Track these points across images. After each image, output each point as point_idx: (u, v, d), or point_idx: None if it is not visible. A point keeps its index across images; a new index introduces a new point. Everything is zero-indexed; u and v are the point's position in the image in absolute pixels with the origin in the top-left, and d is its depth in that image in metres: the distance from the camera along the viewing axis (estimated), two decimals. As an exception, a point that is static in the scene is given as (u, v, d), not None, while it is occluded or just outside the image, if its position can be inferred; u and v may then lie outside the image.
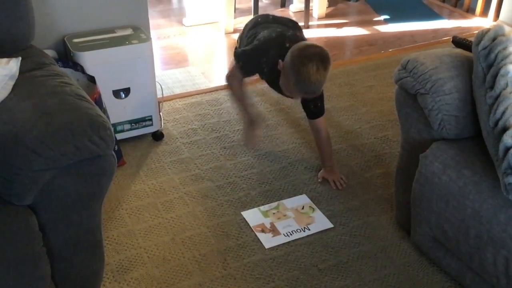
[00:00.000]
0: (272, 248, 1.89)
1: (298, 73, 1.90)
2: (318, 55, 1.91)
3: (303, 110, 2.22)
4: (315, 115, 2.17)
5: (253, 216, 2.03)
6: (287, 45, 2.03)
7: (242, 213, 2.05)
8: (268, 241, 1.92)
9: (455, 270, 1.70)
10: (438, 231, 1.67)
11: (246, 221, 2.01)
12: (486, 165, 1.53)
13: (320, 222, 2.02)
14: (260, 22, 2.30)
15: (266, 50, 2.07)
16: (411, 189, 1.75)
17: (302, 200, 2.13)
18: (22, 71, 1.49)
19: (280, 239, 1.93)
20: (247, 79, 2.20)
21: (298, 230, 1.98)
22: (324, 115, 2.18)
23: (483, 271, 1.54)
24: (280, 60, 2.01)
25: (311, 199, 2.13)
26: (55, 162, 1.27)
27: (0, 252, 1.24)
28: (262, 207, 2.08)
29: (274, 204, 2.10)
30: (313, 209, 2.08)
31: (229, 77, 2.16)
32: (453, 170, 1.57)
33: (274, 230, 1.97)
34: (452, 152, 1.61)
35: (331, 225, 2.00)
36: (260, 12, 3.59)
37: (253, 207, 2.08)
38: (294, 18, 3.88)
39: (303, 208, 2.08)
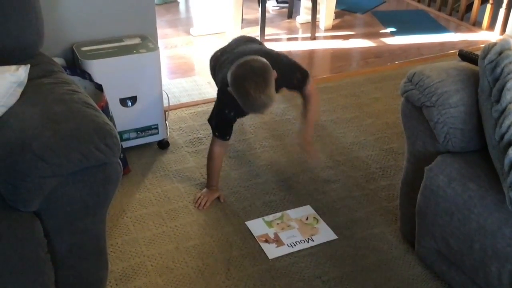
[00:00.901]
0: (275, 259, 1.89)
1: (240, 96, 1.90)
2: (250, 71, 1.88)
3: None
4: (303, 83, 2.13)
5: (257, 226, 2.03)
6: None
7: (246, 223, 2.04)
8: (272, 251, 1.92)
9: (459, 283, 1.69)
10: (442, 244, 1.67)
11: (250, 231, 2.01)
12: (492, 178, 1.52)
13: (324, 233, 2.01)
14: (217, 60, 2.28)
15: (224, 104, 2.04)
16: (416, 202, 1.75)
17: (307, 210, 2.13)
18: (30, 78, 1.51)
19: (284, 250, 1.93)
20: (229, 142, 2.19)
21: (302, 241, 1.97)
22: (311, 80, 2.13)
23: (488, 285, 1.53)
24: (228, 88, 1.97)
25: (315, 210, 2.13)
26: (62, 169, 1.28)
27: (5, 258, 1.25)
28: (266, 217, 2.08)
29: (278, 214, 2.10)
30: (317, 220, 2.08)
31: (212, 145, 2.13)
32: (458, 183, 1.57)
33: (278, 241, 1.97)
34: (457, 165, 1.60)
35: (335, 237, 2.00)
36: (267, 23, 3.60)
37: (258, 217, 2.08)
38: (300, 30, 3.91)
39: (307, 219, 2.08)
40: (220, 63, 2.21)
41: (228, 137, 2.11)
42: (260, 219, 2.07)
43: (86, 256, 1.48)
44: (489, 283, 1.52)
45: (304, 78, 2.13)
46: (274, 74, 1.94)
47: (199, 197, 2.14)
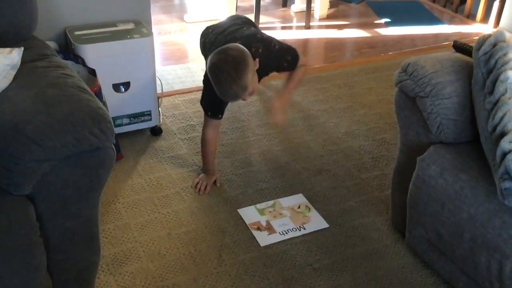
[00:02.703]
0: (267, 246, 1.90)
1: (216, 86, 1.93)
2: (224, 61, 1.89)
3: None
4: (293, 64, 2.16)
5: (249, 213, 2.04)
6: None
7: (238, 210, 2.05)
8: (263, 239, 1.93)
9: (448, 273, 1.71)
10: (433, 234, 1.68)
11: (242, 219, 2.01)
12: (483, 169, 1.54)
13: (316, 221, 2.03)
14: (204, 43, 2.31)
15: (208, 89, 2.05)
16: (407, 192, 1.76)
17: (299, 199, 2.14)
18: (24, 61, 1.49)
19: (276, 238, 1.94)
20: (221, 122, 2.19)
21: (294, 229, 1.98)
22: (301, 58, 2.17)
23: (477, 275, 1.55)
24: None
25: (307, 199, 2.13)
26: (55, 153, 1.27)
27: (-3, 241, 1.25)
28: (258, 205, 2.08)
29: (271, 202, 2.11)
30: (309, 209, 2.09)
31: (205, 127, 2.14)
32: (450, 174, 1.58)
33: (270, 228, 1.98)
34: (450, 156, 1.62)
35: (326, 225, 2.01)
36: (262, 11, 3.59)
37: (250, 205, 2.08)
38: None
39: (299, 207, 2.09)
40: (210, 42, 2.21)
41: (220, 116, 2.12)
42: (252, 206, 2.08)
43: (79, 241, 1.48)
44: (478, 273, 1.54)
45: (294, 59, 2.16)
46: (255, 63, 1.96)
47: (198, 182, 2.15)
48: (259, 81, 2.07)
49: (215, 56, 1.93)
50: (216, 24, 2.38)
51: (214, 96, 2.03)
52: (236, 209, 2.06)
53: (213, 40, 2.20)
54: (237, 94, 1.93)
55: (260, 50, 2.03)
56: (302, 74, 2.25)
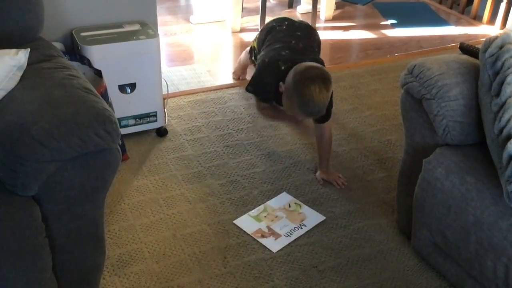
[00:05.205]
0: (277, 249, 1.89)
1: (302, 95, 1.96)
2: (320, 77, 1.96)
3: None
4: (322, 120, 2.19)
5: (246, 223, 2.00)
6: (282, 67, 2.11)
7: (235, 222, 2.00)
8: (273, 245, 1.91)
9: (454, 276, 1.70)
10: (438, 236, 1.68)
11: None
12: (489, 172, 1.53)
13: (312, 216, 2.04)
14: (272, 28, 2.41)
15: (263, 78, 2.16)
16: (413, 194, 1.76)
17: (285, 198, 2.13)
18: (30, 62, 1.50)
19: (284, 240, 1.93)
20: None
21: (296, 228, 1.98)
22: (331, 118, 2.20)
23: (483, 278, 1.54)
24: (281, 83, 2.08)
25: (313, 200, 2.13)
26: (61, 154, 1.28)
27: (2, 242, 1.25)
28: (251, 213, 2.05)
29: (261, 207, 2.08)
30: (300, 205, 2.09)
31: (259, 109, 2.34)
32: (456, 176, 1.57)
33: (273, 233, 1.96)
34: (456, 158, 1.61)
35: (323, 217, 2.02)
36: (268, 13, 3.60)
37: (255, 207, 2.08)
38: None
39: (289, 206, 2.09)
40: (274, 38, 2.33)
41: (271, 101, 2.27)
42: (246, 215, 2.04)
43: (84, 242, 1.48)
44: (484, 276, 1.53)
45: (327, 116, 2.17)
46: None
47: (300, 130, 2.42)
48: None
49: (306, 68, 1.99)
50: (282, 22, 2.45)
51: (267, 91, 2.18)
52: (240, 211, 2.05)
53: (279, 37, 2.32)
54: (320, 106, 1.98)
55: None
56: (331, 134, 2.27)
